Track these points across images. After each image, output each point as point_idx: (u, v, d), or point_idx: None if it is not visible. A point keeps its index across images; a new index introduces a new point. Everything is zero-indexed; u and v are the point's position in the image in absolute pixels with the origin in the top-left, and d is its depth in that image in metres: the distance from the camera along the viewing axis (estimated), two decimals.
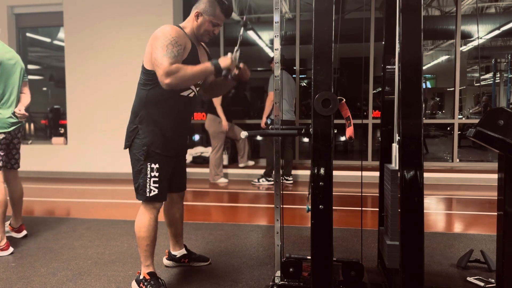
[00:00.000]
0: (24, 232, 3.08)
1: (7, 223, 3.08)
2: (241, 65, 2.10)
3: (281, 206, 2.05)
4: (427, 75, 7.76)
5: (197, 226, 3.32)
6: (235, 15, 6.67)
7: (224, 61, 2.01)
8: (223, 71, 2.00)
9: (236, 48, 2.09)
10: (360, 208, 2.37)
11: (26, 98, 2.97)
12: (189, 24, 2.09)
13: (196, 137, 6.87)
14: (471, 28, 6.36)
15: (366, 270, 2.14)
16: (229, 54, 2.04)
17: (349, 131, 1.71)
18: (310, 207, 1.67)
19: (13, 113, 2.81)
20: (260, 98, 7.61)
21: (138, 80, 2.09)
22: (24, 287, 2.20)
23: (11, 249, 2.76)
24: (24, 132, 2.95)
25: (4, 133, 2.75)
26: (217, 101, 5.34)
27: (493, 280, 2.15)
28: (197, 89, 2.17)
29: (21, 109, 2.82)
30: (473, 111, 7.84)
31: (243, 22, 2.13)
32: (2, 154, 2.77)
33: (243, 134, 1.86)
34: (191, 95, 2.13)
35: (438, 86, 7.94)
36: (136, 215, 2.10)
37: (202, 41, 2.15)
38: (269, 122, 5.29)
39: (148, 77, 2.02)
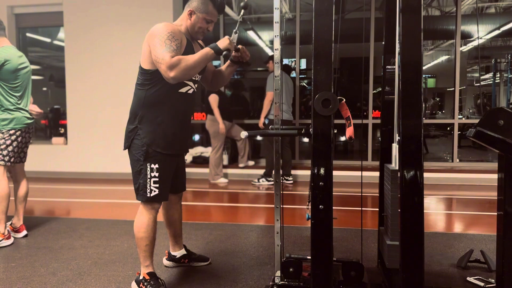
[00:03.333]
0: (24, 232, 3.09)
1: (8, 223, 3.09)
2: (240, 46, 2.12)
3: (281, 206, 2.05)
4: (427, 75, 7.76)
5: (197, 226, 3.32)
6: (233, 14, 6.68)
7: (222, 42, 2.00)
8: (224, 52, 1.99)
9: (235, 29, 2.09)
10: (360, 208, 2.37)
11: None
12: (183, 22, 2.09)
13: (196, 137, 6.87)
14: (471, 28, 6.36)
15: (366, 270, 2.14)
16: (226, 36, 2.05)
17: (349, 131, 1.71)
18: (310, 215, 1.67)
19: (29, 112, 3.03)
20: (260, 98, 7.61)
21: (136, 80, 2.09)
22: (24, 287, 2.20)
23: (12, 239, 2.92)
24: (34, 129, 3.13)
25: (20, 129, 2.92)
26: (214, 103, 5.34)
27: (493, 280, 2.15)
28: (196, 85, 2.17)
29: (36, 107, 3.10)
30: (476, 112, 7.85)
31: (244, 4, 2.11)
32: (15, 150, 2.91)
33: (243, 134, 1.86)
34: (190, 91, 2.12)
35: (438, 86, 7.95)
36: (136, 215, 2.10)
37: (197, 39, 2.15)
38: (266, 122, 5.29)
39: (146, 77, 2.01)
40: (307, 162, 6.05)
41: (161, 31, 1.92)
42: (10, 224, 3.07)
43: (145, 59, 2.00)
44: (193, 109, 2.23)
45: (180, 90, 2.06)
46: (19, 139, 2.93)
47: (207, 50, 1.97)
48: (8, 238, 2.90)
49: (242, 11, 2.12)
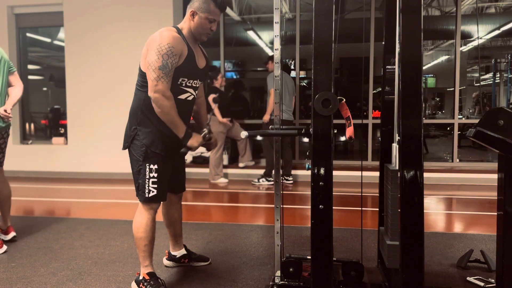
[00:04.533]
0: (12, 234, 2.94)
1: None
2: (212, 138, 2.19)
3: (281, 206, 2.05)
4: (427, 75, 7.77)
5: (197, 226, 3.32)
6: (234, 15, 6.68)
7: (193, 141, 2.01)
8: (184, 148, 2.02)
9: (205, 129, 2.15)
10: (360, 208, 2.37)
11: (15, 91, 2.83)
12: (186, 24, 2.08)
13: None
14: (471, 28, 6.37)
15: (366, 270, 2.14)
16: (205, 131, 2.11)
17: (349, 131, 1.71)
18: (309, 165, 1.68)
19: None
20: (260, 98, 7.62)
21: (136, 81, 2.09)
22: (24, 287, 2.20)
23: (5, 247, 2.77)
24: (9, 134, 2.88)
25: None
26: (213, 103, 5.33)
27: (493, 280, 2.15)
28: (196, 92, 2.17)
29: (7, 109, 2.69)
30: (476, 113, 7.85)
31: (208, 129, 2.18)
32: None
33: (243, 134, 1.86)
34: (190, 98, 2.12)
35: (438, 86, 7.95)
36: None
37: (201, 40, 2.13)
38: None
39: (145, 78, 2.01)
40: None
41: (163, 41, 1.91)
42: None
43: (144, 61, 2.00)
44: (192, 112, 2.24)
45: (179, 97, 2.05)
46: None
47: (181, 130, 1.98)
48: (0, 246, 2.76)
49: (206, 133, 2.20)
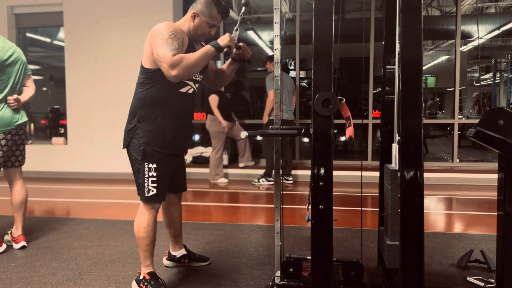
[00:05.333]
0: (22, 243, 2.82)
1: (9, 231, 2.98)
2: (241, 44, 2.12)
3: (281, 206, 2.05)
4: (427, 75, 7.77)
5: (197, 226, 3.32)
6: (235, 16, 6.67)
7: (223, 39, 2.02)
8: (224, 49, 2.00)
9: (235, 27, 2.10)
10: (360, 208, 2.37)
11: (28, 90, 2.93)
12: (186, 23, 2.09)
13: (196, 137, 6.88)
14: (471, 28, 6.37)
15: (366, 270, 2.14)
16: (227, 34, 2.06)
17: (349, 131, 1.71)
18: (310, 217, 1.67)
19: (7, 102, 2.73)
20: (260, 98, 7.62)
21: (137, 79, 2.09)
22: (24, 287, 2.20)
23: (4, 246, 2.78)
24: (26, 131, 2.92)
25: (3, 132, 2.68)
26: (214, 103, 5.36)
27: (493, 280, 2.15)
28: (196, 85, 2.17)
29: (19, 97, 2.76)
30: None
31: (245, 1, 2.11)
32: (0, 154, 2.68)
33: (243, 134, 1.86)
34: (190, 91, 2.12)
35: (438, 86, 7.95)
36: (136, 215, 2.10)
37: (198, 41, 2.16)
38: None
39: (147, 76, 2.02)
40: (307, 162, 6.05)
41: (163, 30, 1.92)
42: (10, 233, 2.91)
43: (146, 58, 2.00)
44: (193, 108, 2.22)
45: (180, 90, 2.06)
46: (3, 142, 2.66)
47: (207, 47, 1.98)
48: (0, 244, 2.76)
49: (243, 8, 2.12)
